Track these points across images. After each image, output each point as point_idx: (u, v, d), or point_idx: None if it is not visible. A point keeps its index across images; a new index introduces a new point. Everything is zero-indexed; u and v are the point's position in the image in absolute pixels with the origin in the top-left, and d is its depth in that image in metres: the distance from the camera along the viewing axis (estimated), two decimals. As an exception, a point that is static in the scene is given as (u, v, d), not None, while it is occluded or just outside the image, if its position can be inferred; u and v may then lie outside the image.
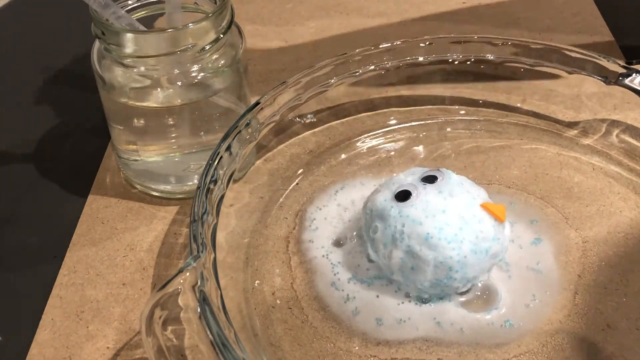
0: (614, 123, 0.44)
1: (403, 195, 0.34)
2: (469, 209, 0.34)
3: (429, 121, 0.46)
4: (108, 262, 0.40)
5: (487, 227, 0.34)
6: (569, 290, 0.35)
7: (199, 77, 0.39)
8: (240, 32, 0.42)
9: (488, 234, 0.34)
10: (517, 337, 0.33)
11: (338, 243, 0.38)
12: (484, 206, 0.34)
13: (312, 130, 0.46)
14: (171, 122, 0.40)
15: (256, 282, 0.37)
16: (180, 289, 0.30)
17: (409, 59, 0.45)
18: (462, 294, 0.35)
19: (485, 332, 0.34)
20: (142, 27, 0.39)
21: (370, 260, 0.37)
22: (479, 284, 0.35)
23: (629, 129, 0.44)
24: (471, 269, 0.33)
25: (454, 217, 0.33)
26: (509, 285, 0.35)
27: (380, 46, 0.45)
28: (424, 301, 0.35)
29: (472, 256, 0.33)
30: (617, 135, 0.44)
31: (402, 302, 0.35)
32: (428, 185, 0.35)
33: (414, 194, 0.34)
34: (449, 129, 0.46)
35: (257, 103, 0.41)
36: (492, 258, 0.34)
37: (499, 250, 0.35)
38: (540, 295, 0.35)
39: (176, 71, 0.38)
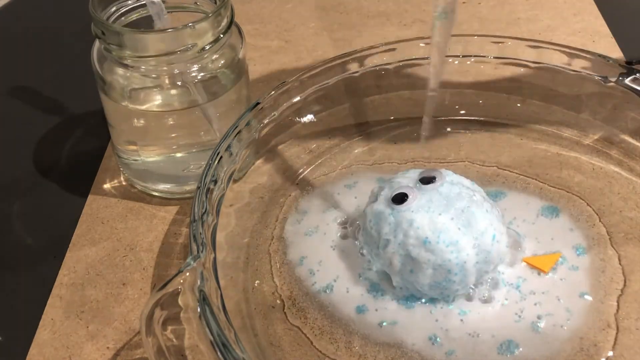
0: (614, 123, 0.44)
1: (399, 198, 0.34)
2: (468, 211, 0.34)
3: (429, 121, 0.46)
4: (108, 262, 0.40)
5: (487, 229, 0.34)
6: (569, 290, 0.35)
7: (198, 77, 0.39)
8: (240, 32, 0.42)
9: (488, 236, 0.34)
10: (517, 338, 0.33)
11: (338, 244, 0.38)
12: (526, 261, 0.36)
13: (312, 130, 0.46)
14: (171, 123, 0.40)
15: (256, 282, 0.37)
16: (180, 289, 0.30)
17: (408, 59, 0.45)
18: (463, 295, 0.35)
19: (487, 333, 0.34)
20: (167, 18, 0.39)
21: (370, 262, 0.37)
22: (480, 286, 0.35)
23: (629, 129, 0.44)
24: (471, 271, 0.33)
25: (452, 219, 0.33)
26: (508, 286, 0.35)
27: (380, 46, 0.45)
28: (425, 303, 0.35)
29: (471, 259, 0.33)
30: (617, 135, 0.44)
31: (403, 303, 0.35)
32: (426, 186, 0.35)
33: (410, 197, 0.34)
34: (449, 129, 0.46)
35: (257, 103, 0.41)
36: (493, 260, 0.34)
37: (500, 253, 0.35)
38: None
39: (176, 71, 0.38)
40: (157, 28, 0.39)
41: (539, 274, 0.36)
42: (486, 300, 0.35)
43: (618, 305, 0.34)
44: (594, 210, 0.39)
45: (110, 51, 0.38)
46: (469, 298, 0.35)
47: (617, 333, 0.33)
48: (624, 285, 0.35)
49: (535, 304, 0.34)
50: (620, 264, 0.36)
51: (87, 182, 0.45)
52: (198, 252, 0.32)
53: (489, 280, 0.35)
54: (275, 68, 0.54)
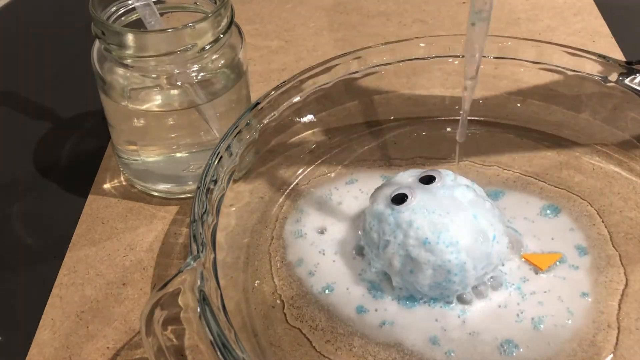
0: (614, 123, 0.44)
1: (399, 199, 0.34)
2: (468, 211, 0.34)
3: (429, 121, 0.46)
4: (108, 262, 0.39)
5: (487, 229, 0.34)
6: (569, 290, 0.35)
7: (198, 77, 0.39)
8: (240, 32, 0.42)
9: (488, 236, 0.34)
10: (517, 338, 0.33)
11: (338, 244, 0.38)
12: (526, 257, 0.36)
13: (312, 130, 0.46)
14: (171, 123, 0.40)
15: (256, 282, 0.37)
16: (180, 289, 0.30)
17: (408, 59, 0.45)
18: (463, 295, 0.35)
19: (487, 333, 0.34)
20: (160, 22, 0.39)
21: (370, 262, 0.37)
22: (480, 286, 0.35)
23: (629, 129, 0.44)
24: (471, 272, 0.33)
25: (452, 220, 0.33)
26: (508, 286, 0.35)
27: (380, 46, 0.45)
28: (425, 303, 0.35)
29: (471, 259, 0.33)
30: (617, 135, 0.44)
31: (403, 304, 0.35)
32: (425, 186, 0.35)
33: (410, 197, 0.34)
34: (449, 129, 0.46)
35: (257, 103, 0.41)
36: (493, 260, 0.34)
37: (500, 253, 0.35)
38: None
39: (176, 71, 0.38)
40: (149, 28, 0.39)
41: (536, 272, 0.36)
42: (486, 301, 0.35)
43: (618, 306, 0.34)
44: (594, 210, 0.39)
45: (110, 51, 0.38)
46: (469, 298, 0.35)
47: (617, 333, 0.33)
48: (625, 285, 0.35)
49: (535, 304, 0.34)
50: (620, 263, 0.36)
51: (87, 182, 0.45)
52: (198, 252, 0.32)
53: (489, 280, 0.35)
54: (275, 68, 0.54)
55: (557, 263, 0.36)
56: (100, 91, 0.40)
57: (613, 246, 0.37)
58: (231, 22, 0.39)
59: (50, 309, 0.37)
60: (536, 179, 0.42)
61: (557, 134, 0.45)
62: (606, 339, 0.33)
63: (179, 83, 0.39)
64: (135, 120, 0.40)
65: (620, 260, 0.37)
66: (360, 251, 0.37)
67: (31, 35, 0.61)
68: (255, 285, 0.37)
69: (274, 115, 0.42)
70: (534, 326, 0.34)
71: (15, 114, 0.52)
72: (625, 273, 0.36)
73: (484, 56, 0.45)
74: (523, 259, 0.36)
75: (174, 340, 0.31)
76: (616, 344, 0.33)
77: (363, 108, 0.47)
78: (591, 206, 0.40)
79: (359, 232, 0.38)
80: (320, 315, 0.35)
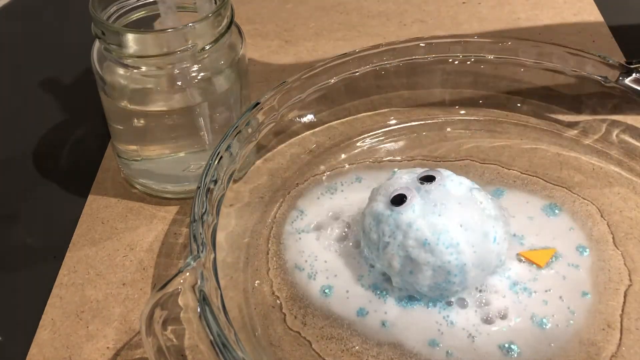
0: (614, 123, 0.44)
1: (399, 200, 0.34)
2: (468, 212, 0.34)
3: (429, 121, 0.46)
4: (108, 262, 0.40)
5: (488, 230, 0.34)
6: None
7: (199, 77, 0.39)
8: (240, 32, 0.42)
9: (489, 237, 0.34)
10: (518, 338, 0.33)
11: (338, 244, 0.38)
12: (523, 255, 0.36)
13: (312, 130, 0.46)
14: (171, 123, 0.40)
15: (256, 282, 0.37)
16: (180, 289, 0.30)
17: (409, 59, 0.45)
18: (463, 296, 0.35)
19: (487, 333, 0.34)
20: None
21: (370, 263, 0.37)
22: (480, 286, 0.35)
23: (629, 129, 0.44)
24: (471, 272, 0.33)
25: (452, 220, 0.33)
26: (508, 286, 0.35)
27: (380, 46, 0.45)
28: (425, 304, 0.35)
29: (471, 260, 0.33)
30: (617, 135, 0.44)
31: (403, 304, 0.35)
32: (425, 187, 0.35)
33: (409, 198, 0.34)
34: (449, 129, 0.46)
35: (257, 103, 0.41)
36: (493, 261, 0.34)
37: (501, 254, 0.35)
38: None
39: (176, 71, 0.38)
40: (164, 25, 0.39)
41: (536, 269, 0.36)
42: (486, 301, 0.35)
43: (619, 305, 0.34)
44: (594, 210, 0.39)
45: (110, 51, 0.38)
46: (469, 299, 0.35)
47: (617, 333, 0.33)
48: (625, 285, 0.35)
49: (536, 304, 0.34)
50: (620, 264, 0.36)
51: (87, 182, 0.45)
52: (198, 252, 0.32)
53: (490, 281, 0.35)
54: (275, 68, 0.54)
55: (554, 259, 0.36)
56: (100, 91, 0.40)
57: (613, 246, 0.37)
58: (231, 22, 0.39)
59: (50, 309, 0.37)
60: (537, 178, 0.42)
61: (557, 133, 0.45)
62: (606, 339, 0.33)
63: (179, 83, 0.39)
64: (135, 120, 0.40)
65: (620, 260, 0.37)
66: (360, 252, 0.37)
67: (31, 35, 0.61)
68: (255, 285, 0.37)
69: (274, 115, 0.42)
70: (535, 326, 0.34)
71: (16, 114, 0.52)
72: (625, 273, 0.36)
73: (484, 56, 0.45)
74: (522, 258, 0.36)
75: (174, 340, 0.31)
76: (616, 344, 0.33)
77: (363, 108, 0.47)
78: (591, 206, 0.40)
79: (360, 233, 0.38)
80: (320, 316, 0.35)
